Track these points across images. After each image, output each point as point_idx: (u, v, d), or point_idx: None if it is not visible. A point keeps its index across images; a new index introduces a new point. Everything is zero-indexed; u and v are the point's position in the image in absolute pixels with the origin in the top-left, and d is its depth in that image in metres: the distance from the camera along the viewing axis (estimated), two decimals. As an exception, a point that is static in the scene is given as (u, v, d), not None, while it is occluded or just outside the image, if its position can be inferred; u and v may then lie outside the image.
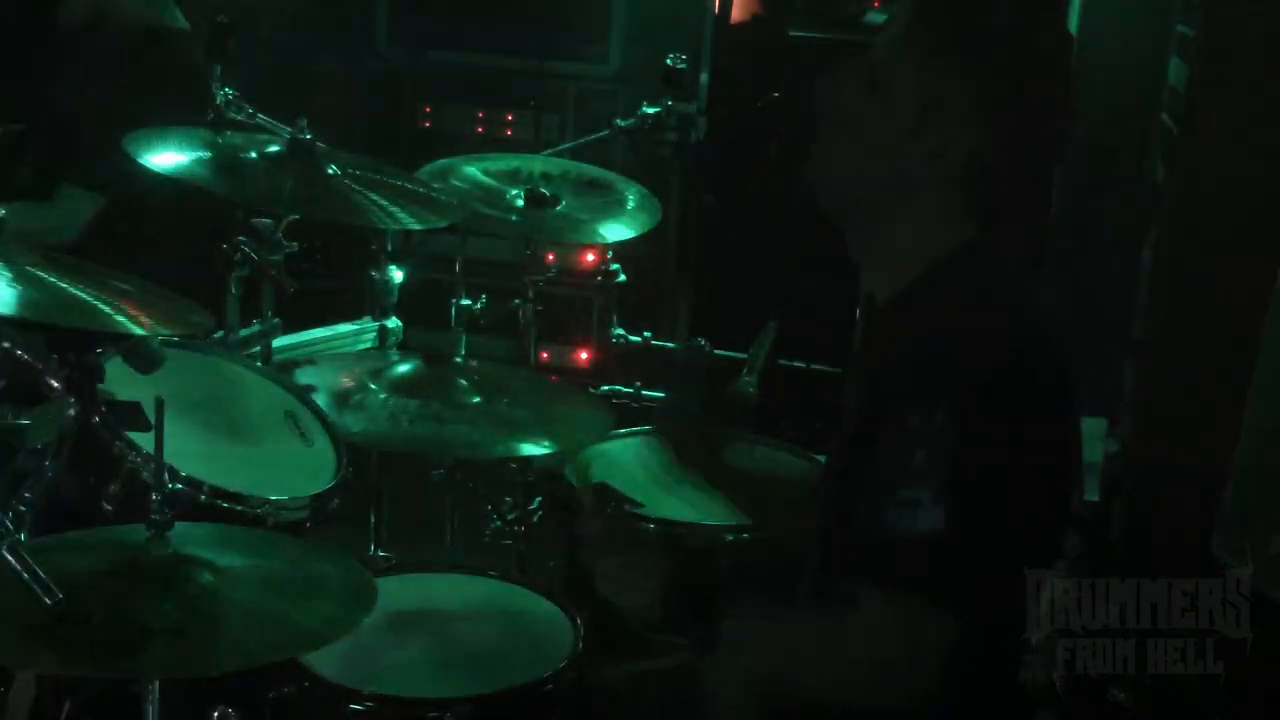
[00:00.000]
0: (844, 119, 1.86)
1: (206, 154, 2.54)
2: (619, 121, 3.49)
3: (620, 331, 3.49)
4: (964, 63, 1.80)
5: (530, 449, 2.60)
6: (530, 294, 3.14)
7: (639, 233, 3.08)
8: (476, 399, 2.60)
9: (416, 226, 2.67)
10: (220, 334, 2.74)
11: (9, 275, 1.89)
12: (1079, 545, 1.87)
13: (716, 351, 3.37)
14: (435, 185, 2.89)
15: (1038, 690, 1.85)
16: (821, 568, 1.93)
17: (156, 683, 1.78)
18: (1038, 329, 1.84)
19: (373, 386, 2.59)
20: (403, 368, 2.69)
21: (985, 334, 1.77)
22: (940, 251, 1.84)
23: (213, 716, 2.04)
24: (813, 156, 1.89)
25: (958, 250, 1.84)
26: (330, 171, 2.61)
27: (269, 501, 2.19)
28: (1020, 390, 1.74)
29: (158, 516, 1.74)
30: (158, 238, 3.10)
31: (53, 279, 1.93)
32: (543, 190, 2.99)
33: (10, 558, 1.61)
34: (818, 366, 3.81)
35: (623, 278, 3.41)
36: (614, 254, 3.41)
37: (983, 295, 1.83)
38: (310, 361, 2.79)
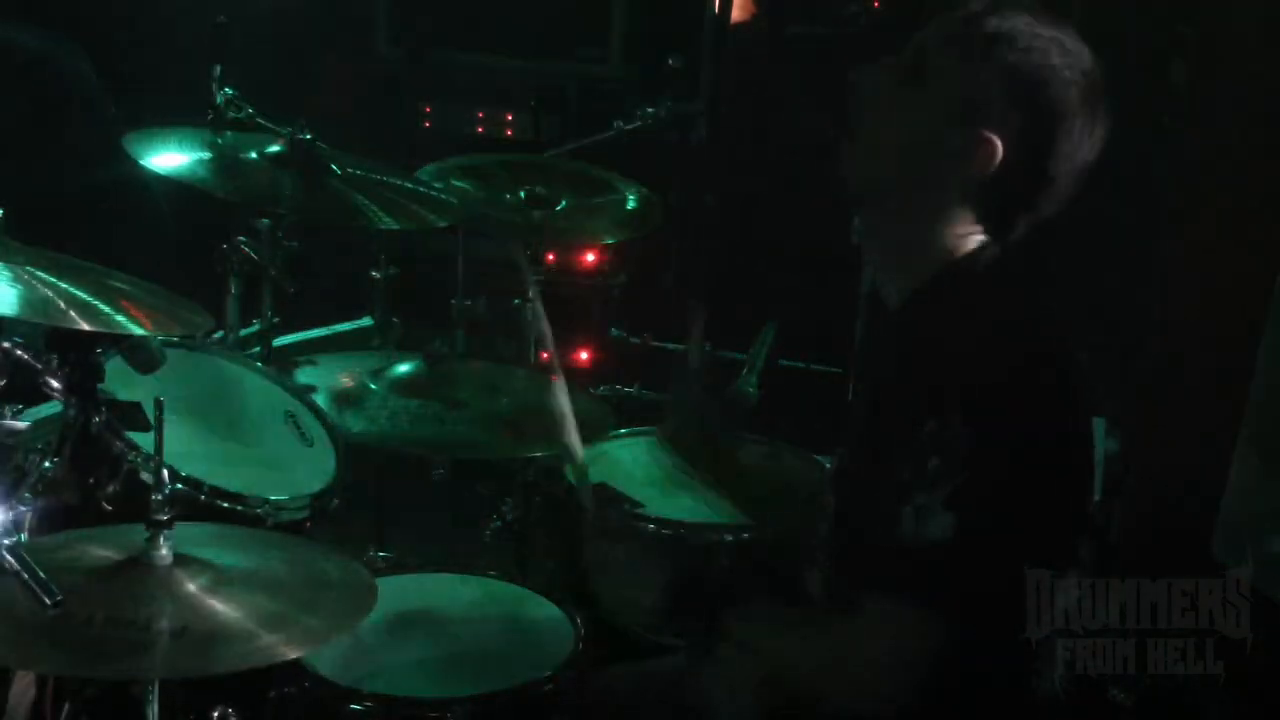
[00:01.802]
0: (882, 107, 1.86)
1: (206, 154, 2.54)
2: (619, 121, 3.49)
3: (620, 332, 3.49)
4: (1009, 66, 1.80)
5: (530, 449, 2.60)
6: (530, 294, 3.13)
7: (639, 233, 3.08)
8: (476, 399, 2.60)
9: (416, 227, 2.67)
10: (220, 334, 2.74)
11: (9, 275, 1.89)
12: (1091, 550, 1.87)
13: (717, 351, 3.38)
14: (435, 185, 2.89)
15: (1045, 696, 1.85)
16: (829, 570, 1.92)
17: (156, 683, 1.78)
18: (1050, 336, 1.84)
19: (373, 386, 2.59)
20: (403, 368, 2.69)
21: (998, 341, 1.77)
22: (954, 254, 1.84)
23: (213, 716, 2.04)
24: (850, 142, 1.89)
25: (971, 255, 1.84)
26: (330, 171, 2.61)
27: (269, 501, 2.19)
28: (1033, 398, 1.73)
29: (158, 516, 1.73)
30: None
31: (53, 279, 1.93)
32: (543, 190, 2.99)
33: (10, 558, 1.61)
34: (818, 366, 3.81)
35: (623, 278, 3.42)
36: (614, 254, 3.41)
37: (995, 302, 1.83)
38: (310, 361, 2.79)
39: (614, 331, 3.52)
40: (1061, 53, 1.83)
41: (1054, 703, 1.85)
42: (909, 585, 1.69)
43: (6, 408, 2.21)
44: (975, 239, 1.85)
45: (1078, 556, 1.84)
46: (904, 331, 1.88)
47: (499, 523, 3.01)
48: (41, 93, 3.38)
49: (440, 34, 4.39)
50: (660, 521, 2.53)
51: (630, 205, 3.15)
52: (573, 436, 2.03)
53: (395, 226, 2.65)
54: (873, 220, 1.92)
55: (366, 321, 3.36)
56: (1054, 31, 1.84)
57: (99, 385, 2.05)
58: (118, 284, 2.04)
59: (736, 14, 4.74)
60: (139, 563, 1.73)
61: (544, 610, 2.31)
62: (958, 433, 1.68)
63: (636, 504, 2.57)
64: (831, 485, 2.13)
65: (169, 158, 2.48)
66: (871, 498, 1.75)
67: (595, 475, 2.69)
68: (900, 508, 1.70)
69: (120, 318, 1.92)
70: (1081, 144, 1.84)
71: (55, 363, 2.06)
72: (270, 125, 2.82)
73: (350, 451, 2.40)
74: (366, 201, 2.60)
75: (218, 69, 2.80)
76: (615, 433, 2.83)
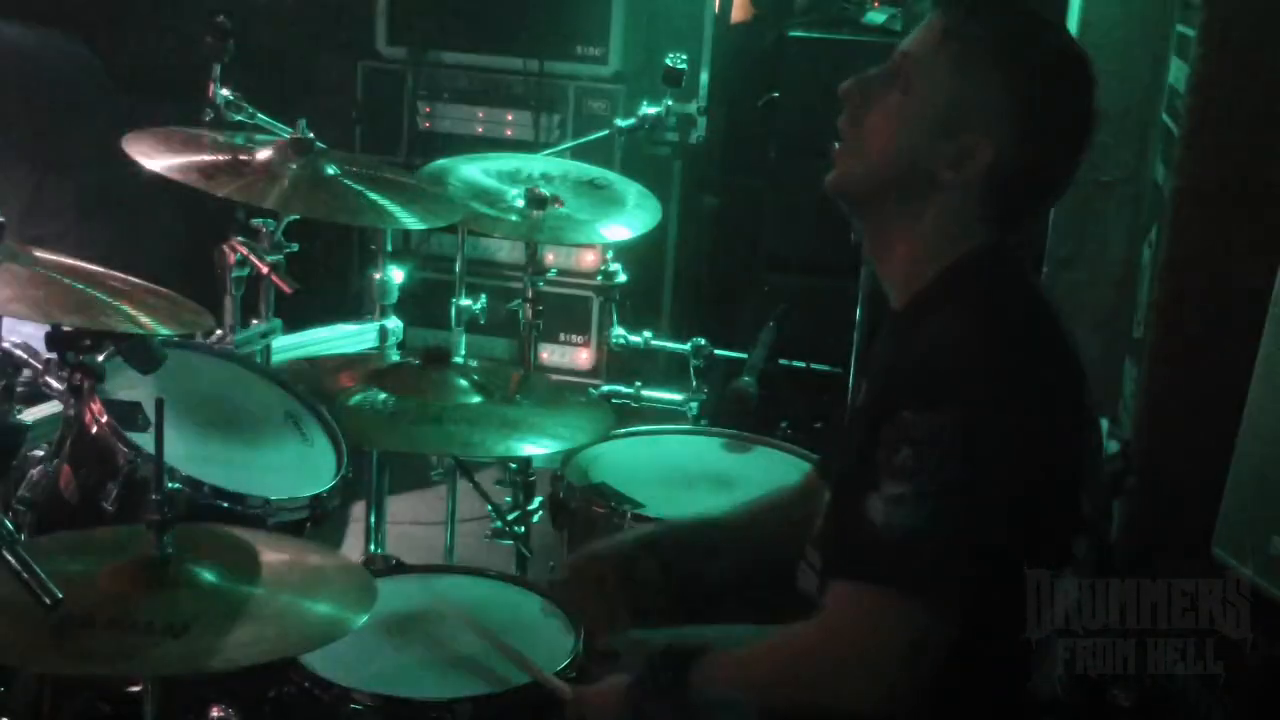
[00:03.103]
0: (871, 116, 1.86)
1: (206, 154, 2.54)
2: (619, 121, 3.49)
3: (620, 331, 3.49)
4: (1000, 68, 1.80)
5: (530, 449, 2.60)
6: (530, 294, 3.14)
7: (639, 233, 3.08)
8: (476, 399, 2.60)
9: (416, 226, 2.67)
10: (220, 334, 2.74)
11: (9, 275, 1.90)
12: (1089, 549, 1.86)
13: (716, 351, 3.38)
14: (435, 185, 2.89)
15: (1045, 696, 1.85)
16: (823, 569, 1.92)
17: (156, 682, 1.78)
18: (1050, 332, 1.84)
19: (373, 386, 2.59)
20: (403, 368, 2.69)
21: (990, 336, 1.77)
22: (956, 255, 1.84)
23: (213, 716, 2.04)
24: (837, 153, 1.89)
25: (974, 255, 1.84)
26: (330, 171, 2.61)
27: (269, 501, 2.19)
28: (1023, 393, 1.73)
29: (158, 516, 1.73)
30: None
31: (53, 278, 1.94)
32: (543, 190, 2.99)
33: (10, 558, 1.61)
34: (818, 366, 3.81)
35: (623, 278, 3.42)
36: (614, 254, 3.41)
37: (992, 298, 1.83)
38: (310, 362, 2.80)
39: (614, 331, 3.52)
40: (1045, 47, 1.83)
41: (1054, 703, 1.85)
42: (876, 573, 1.69)
43: (6, 408, 2.22)
44: (977, 239, 1.85)
45: (1074, 554, 1.84)
46: (905, 331, 1.88)
47: (499, 523, 3.01)
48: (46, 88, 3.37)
49: (440, 34, 4.40)
50: (660, 521, 2.52)
51: (630, 205, 3.14)
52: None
53: (395, 226, 2.65)
54: (871, 228, 1.92)
55: (367, 321, 3.36)
56: (1035, 27, 1.84)
57: (99, 385, 2.05)
58: (118, 284, 2.05)
59: (736, 14, 4.75)
60: (139, 563, 1.73)
61: (544, 610, 2.31)
62: (938, 425, 1.68)
63: (637, 504, 2.57)
64: (825, 481, 2.13)
65: (169, 158, 2.48)
66: (857, 490, 1.75)
67: (595, 475, 2.69)
68: (868, 495, 1.70)
69: (120, 318, 1.92)
70: (1074, 134, 1.84)
71: (55, 363, 2.07)
72: (270, 125, 2.82)
73: (350, 451, 2.40)
74: (367, 201, 2.60)
75: (218, 69, 2.80)
76: (615, 432, 2.83)
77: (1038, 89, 1.81)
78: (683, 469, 2.82)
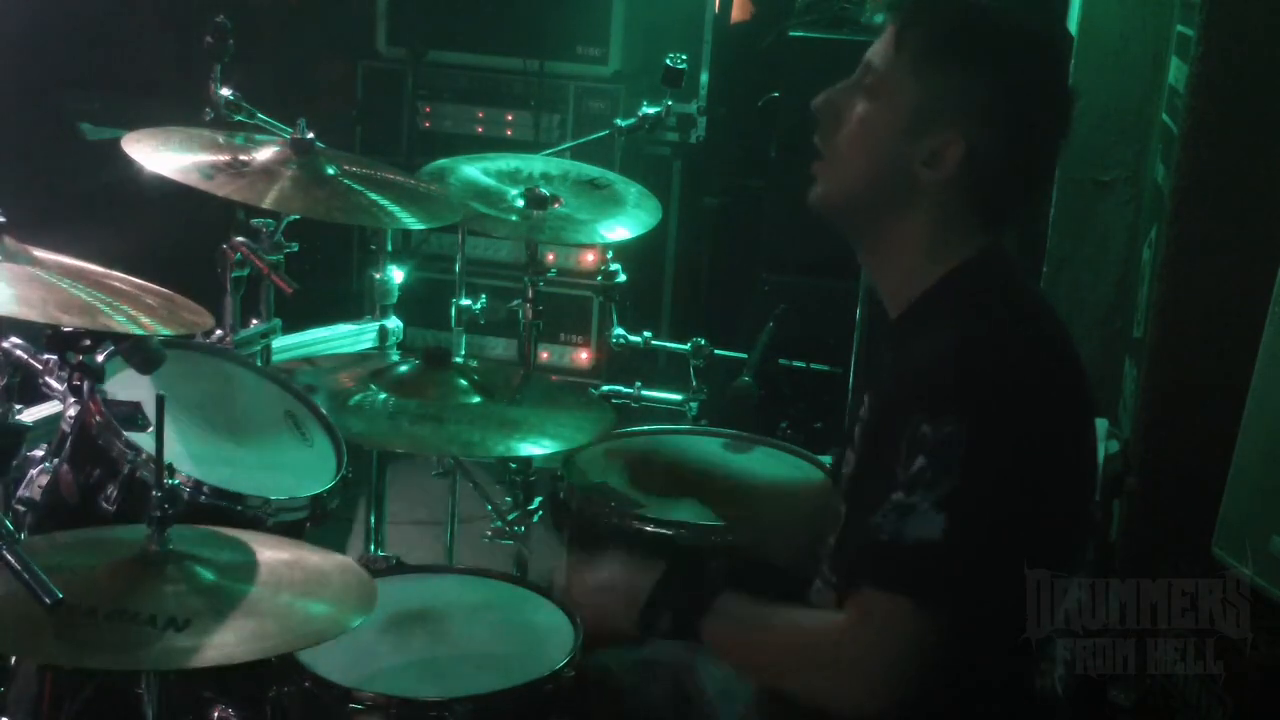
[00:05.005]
0: (844, 129, 1.87)
1: (206, 154, 2.54)
2: (619, 121, 3.50)
3: (620, 331, 3.49)
4: (958, 63, 1.81)
5: (530, 449, 2.60)
6: (530, 294, 3.14)
7: (639, 233, 3.08)
8: (476, 399, 2.60)
9: (416, 226, 2.67)
10: (220, 334, 2.74)
11: (9, 275, 1.89)
12: (1092, 550, 1.86)
13: (716, 351, 3.38)
14: (435, 186, 2.89)
15: (1045, 696, 1.85)
16: (838, 581, 1.92)
17: (157, 679, 1.79)
18: (1053, 334, 1.84)
19: (373, 386, 2.59)
20: (403, 368, 2.69)
21: (999, 343, 1.77)
22: (953, 261, 1.84)
23: (213, 716, 2.04)
24: (817, 169, 1.90)
25: (970, 259, 1.84)
26: (330, 171, 2.61)
27: (269, 501, 2.19)
28: (1034, 398, 1.73)
29: (158, 514, 1.73)
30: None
31: (53, 279, 1.93)
32: (543, 190, 2.99)
33: (10, 558, 1.61)
34: (818, 366, 3.82)
35: (623, 278, 3.42)
36: (614, 254, 3.41)
37: (996, 303, 1.83)
38: (310, 361, 2.79)
39: (614, 331, 3.52)
40: (1011, 40, 1.83)
41: (1054, 703, 1.85)
42: (891, 581, 1.69)
43: (6, 408, 2.22)
44: (972, 242, 1.85)
45: (1082, 558, 1.84)
46: (907, 341, 1.88)
47: (499, 523, 3.01)
48: None
49: (440, 34, 4.40)
50: (660, 523, 2.52)
51: (630, 205, 3.14)
52: None
53: (395, 226, 2.64)
54: (862, 239, 1.92)
55: (367, 321, 3.36)
56: (988, 17, 1.84)
57: (99, 385, 2.05)
58: (118, 284, 2.05)
59: (736, 14, 4.75)
60: (141, 559, 1.73)
61: (544, 610, 2.31)
62: (953, 435, 1.67)
63: (637, 504, 2.57)
64: (830, 486, 2.13)
65: (169, 158, 2.48)
66: (866, 498, 1.75)
67: (595, 476, 2.69)
68: (882, 504, 1.70)
69: (120, 318, 1.92)
70: (1049, 116, 1.84)
71: (55, 363, 2.07)
72: (270, 125, 2.82)
73: (350, 451, 2.40)
74: (367, 201, 2.60)
75: (218, 69, 2.80)
76: (615, 432, 2.82)
77: (1001, 77, 1.81)
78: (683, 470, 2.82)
